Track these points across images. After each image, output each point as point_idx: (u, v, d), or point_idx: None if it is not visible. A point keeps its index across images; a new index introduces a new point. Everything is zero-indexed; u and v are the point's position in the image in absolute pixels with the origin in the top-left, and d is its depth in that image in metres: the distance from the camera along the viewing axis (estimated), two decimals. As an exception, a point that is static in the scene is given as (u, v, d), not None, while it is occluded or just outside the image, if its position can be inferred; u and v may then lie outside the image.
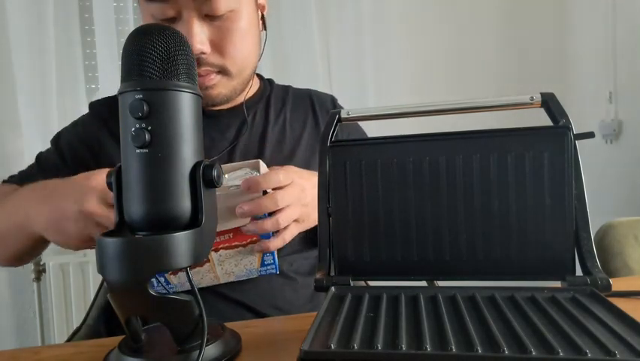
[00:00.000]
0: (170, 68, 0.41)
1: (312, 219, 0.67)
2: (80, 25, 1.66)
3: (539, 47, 2.18)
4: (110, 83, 1.64)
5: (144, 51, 0.40)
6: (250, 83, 0.81)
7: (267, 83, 0.90)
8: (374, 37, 1.96)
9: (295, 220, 0.64)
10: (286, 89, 0.91)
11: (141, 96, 0.40)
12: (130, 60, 0.41)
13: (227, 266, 0.65)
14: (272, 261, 0.67)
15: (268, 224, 0.61)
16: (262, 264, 0.66)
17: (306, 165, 0.79)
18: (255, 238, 0.63)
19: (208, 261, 0.63)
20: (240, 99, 0.81)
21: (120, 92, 0.41)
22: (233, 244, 0.63)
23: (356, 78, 1.93)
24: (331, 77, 1.91)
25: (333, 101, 0.91)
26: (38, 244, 0.69)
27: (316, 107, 0.88)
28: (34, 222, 0.62)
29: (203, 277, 0.66)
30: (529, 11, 2.17)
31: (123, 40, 0.44)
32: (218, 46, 0.71)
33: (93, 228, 0.56)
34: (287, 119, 0.84)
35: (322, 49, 1.89)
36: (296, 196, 0.63)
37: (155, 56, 0.40)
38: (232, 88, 0.76)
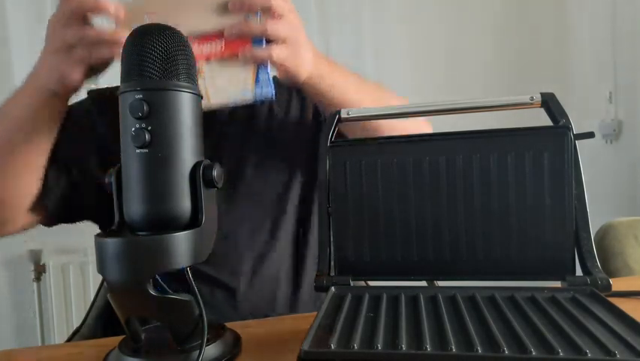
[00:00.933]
0: (170, 68, 0.41)
1: (299, 61, 0.64)
2: (80, 25, 1.66)
3: (539, 47, 2.18)
4: (109, 82, 1.64)
5: (144, 51, 0.40)
6: None
7: None
8: (374, 37, 1.96)
9: (284, 42, 0.61)
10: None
11: (141, 96, 0.40)
12: (130, 60, 0.41)
13: (219, 81, 0.60)
14: (267, 80, 0.61)
15: (253, 24, 0.59)
16: (257, 81, 0.61)
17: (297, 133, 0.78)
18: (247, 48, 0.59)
19: (198, 74, 0.55)
20: None
21: (120, 93, 0.41)
22: (227, 54, 0.59)
23: (356, 79, 1.93)
24: (331, 77, 1.91)
25: None
26: (50, 115, 0.68)
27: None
28: (37, 76, 0.65)
29: None
30: (529, 11, 2.17)
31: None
32: None
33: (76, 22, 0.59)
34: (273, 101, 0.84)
35: (322, 49, 1.89)
36: (290, 10, 0.63)
37: (155, 56, 0.40)
38: None
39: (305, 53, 0.65)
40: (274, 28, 0.60)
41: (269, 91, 0.61)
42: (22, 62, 1.56)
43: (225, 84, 0.61)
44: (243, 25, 0.59)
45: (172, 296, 0.42)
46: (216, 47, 0.59)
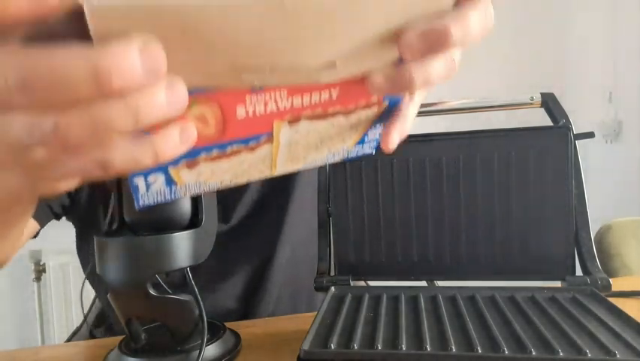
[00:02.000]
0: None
1: None
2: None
3: (539, 47, 2.18)
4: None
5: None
6: None
7: None
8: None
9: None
10: None
11: (141, 96, 0.40)
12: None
13: (299, 150, 0.35)
14: (376, 136, 0.37)
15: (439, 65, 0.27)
16: (361, 140, 0.37)
17: None
18: (374, 101, 0.32)
19: (269, 141, 0.31)
20: None
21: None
22: (332, 110, 0.31)
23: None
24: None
25: None
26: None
27: None
28: None
29: (249, 168, 0.33)
30: (529, 11, 2.17)
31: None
32: None
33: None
34: None
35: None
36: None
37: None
38: None
39: None
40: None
41: (373, 144, 0.38)
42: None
43: (309, 153, 0.36)
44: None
45: (172, 296, 0.42)
46: (319, 98, 0.29)
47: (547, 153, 0.48)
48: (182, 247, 0.41)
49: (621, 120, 1.99)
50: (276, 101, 0.27)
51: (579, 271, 0.48)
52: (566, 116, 0.50)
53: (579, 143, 0.48)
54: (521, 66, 2.15)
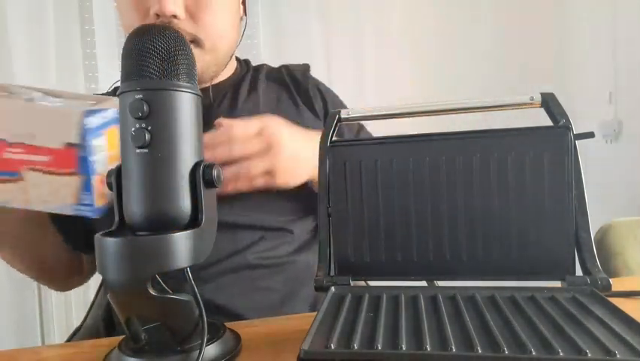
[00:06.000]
0: (171, 68, 0.41)
1: (288, 175, 0.66)
2: (80, 25, 1.66)
3: (539, 47, 2.18)
4: (109, 82, 1.64)
5: (144, 51, 0.40)
6: (224, 68, 0.78)
7: (243, 65, 0.87)
8: (374, 38, 1.96)
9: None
10: (258, 68, 0.87)
11: (141, 96, 0.40)
12: (130, 60, 0.41)
13: (42, 191, 0.53)
14: (89, 200, 0.53)
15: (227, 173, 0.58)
16: (79, 201, 0.54)
17: None
18: (72, 171, 0.51)
19: (22, 179, 0.52)
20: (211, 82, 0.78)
21: (120, 93, 0.41)
22: (48, 169, 0.52)
23: (356, 78, 1.94)
24: (331, 77, 1.91)
25: (304, 70, 0.87)
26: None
27: (289, 80, 0.85)
28: None
29: (14, 197, 0.54)
30: (529, 11, 2.17)
31: (123, 40, 0.44)
32: (192, 12, 0.67)
33: None
34: (260, 98, 0.80)
35: (322, 49, 1.90)
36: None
37: (155, 55, 0.40)
38: (204, 64, 0.70)
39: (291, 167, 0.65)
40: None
41: (90, 210, 0.54)
42: (22, 61, 1.56)
43: (47, 196, 0.54)
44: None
45: (172, 296, 0.42)
46: (42, 158, 0.52)
47: (547, 153, 0.48)
48: (182, 247, 0.41)
49: (621, 120, 1.99)
50: (18, 153, 0.51)
51: (579, 271, 0.48)
52: (566, 116, 0.50)
53: (579, 143, 0.48)
54: (521, 66, 2.15)
